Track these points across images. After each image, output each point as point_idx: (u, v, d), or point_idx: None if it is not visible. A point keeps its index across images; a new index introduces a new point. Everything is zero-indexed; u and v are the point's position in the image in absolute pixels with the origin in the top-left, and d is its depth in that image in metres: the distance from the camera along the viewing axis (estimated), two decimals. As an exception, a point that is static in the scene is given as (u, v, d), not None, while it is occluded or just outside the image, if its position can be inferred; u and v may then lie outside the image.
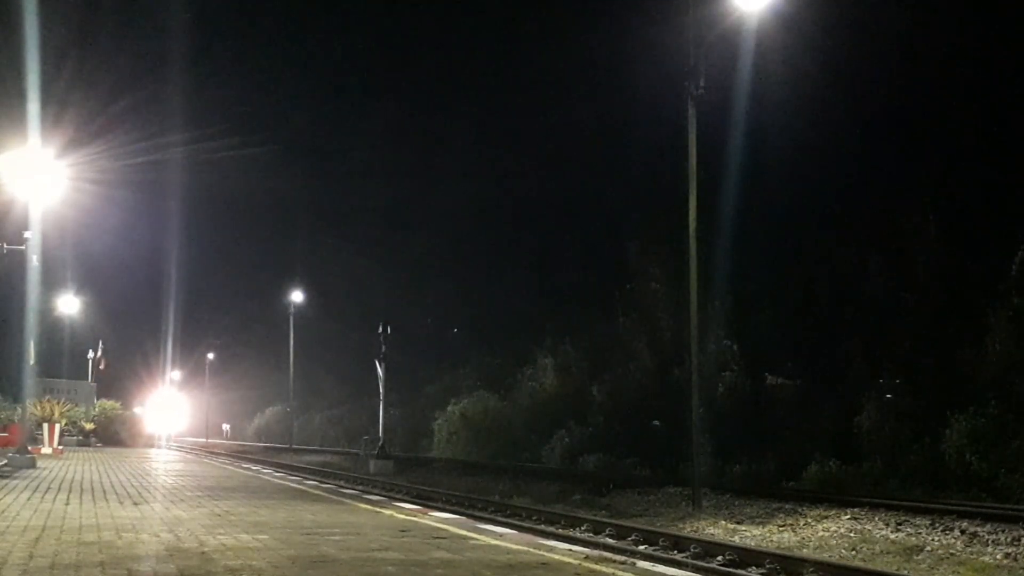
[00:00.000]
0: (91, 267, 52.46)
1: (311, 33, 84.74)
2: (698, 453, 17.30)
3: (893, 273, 23.58)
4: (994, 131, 24.03)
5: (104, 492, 12.73)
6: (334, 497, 13.81)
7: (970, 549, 11.60)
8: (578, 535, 13.18)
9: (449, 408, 40.13)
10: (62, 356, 48.84)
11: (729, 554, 11.02)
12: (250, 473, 22.44)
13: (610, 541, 12.61)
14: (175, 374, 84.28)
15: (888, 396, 21.16)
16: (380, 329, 32.60)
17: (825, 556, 11.23)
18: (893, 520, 13.58)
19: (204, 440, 69.20)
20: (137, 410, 56.32)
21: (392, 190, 73.35)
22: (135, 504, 10.90)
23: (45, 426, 27.88)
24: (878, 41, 26.29)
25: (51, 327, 42.10)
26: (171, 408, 71.95)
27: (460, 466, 30.25)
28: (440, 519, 10.59)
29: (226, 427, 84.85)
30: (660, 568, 7.54)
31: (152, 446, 47.04)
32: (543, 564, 6.79)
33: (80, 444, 37.50)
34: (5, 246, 22.25)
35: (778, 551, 11.28)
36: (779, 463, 21.87)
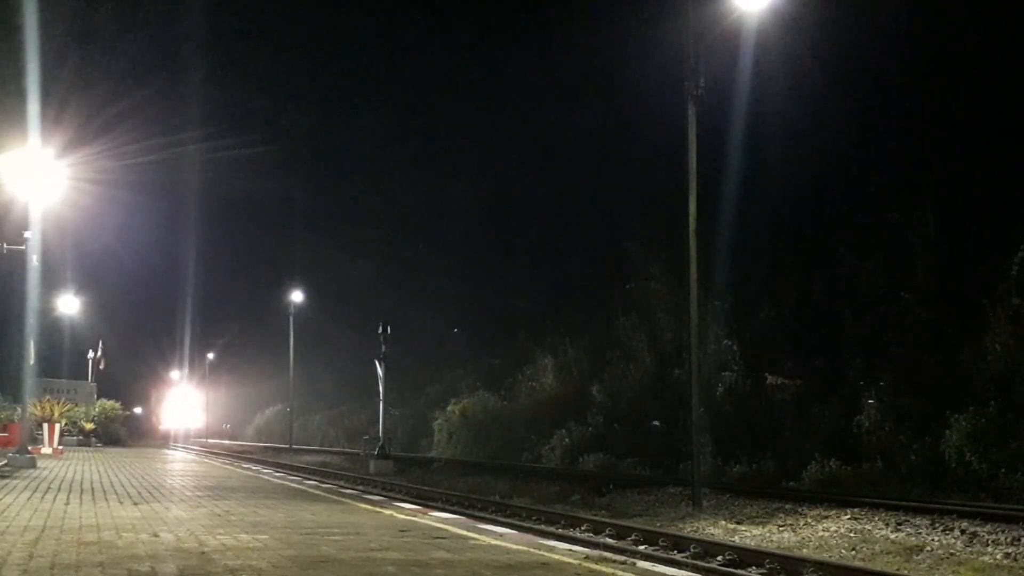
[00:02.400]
0: (91, 267, 52.48)
1: (311, 33, 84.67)
2: (698, 453, 17.30)
3: (893, 273, 23.57)
4: (995, 131, 24.03)
5: (104, 492, 12.74)
6: (334, 497, 13.81)
7: (970, 549, 11.59)
8: (578, 535, 13.18)
9: (449, 408, 40.13)
10: (62, 356, 48.89)
11: (729, 554, 11.02)
12: (250, 473, 22.45)
13: (610, 541, 12.61)
14: (175, 373, 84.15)
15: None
16: (380, 329, 32.59)
17: (825, 556, 11.23)
18: (893, 520, 13.57)
19: (205, 440, 69.22)
20: (138, 410, 56.27)
21: (392, 190, 73.27)
22: (135, 504, 10.90)
23: (45, 426, 27.94)
24: (878, 41, 26.28)
25: (51, 327, 42.12)
26: (188, 406, 71.27)
27: (460, 466, 30.25)
28: (440, 519, 10.60)
29: (226, 426, 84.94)
30: (660, 568, 7.55)
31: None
32: (543, 564, 6.79)
33: (80, 444, 37.51)
34: (5, 246, 22.24)
35: (778, 551, 11.28)
36: (779, 463, 21.85)
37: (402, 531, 8.77)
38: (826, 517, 14.26)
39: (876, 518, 13.84)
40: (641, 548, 11.89)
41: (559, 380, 35.56)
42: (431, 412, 42.49)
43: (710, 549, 11.44)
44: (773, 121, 26.69)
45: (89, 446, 37.67)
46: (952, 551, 11.51)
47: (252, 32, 79.40)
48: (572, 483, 21.88)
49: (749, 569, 10.42)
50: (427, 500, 18.80)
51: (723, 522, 14.47)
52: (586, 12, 50.23)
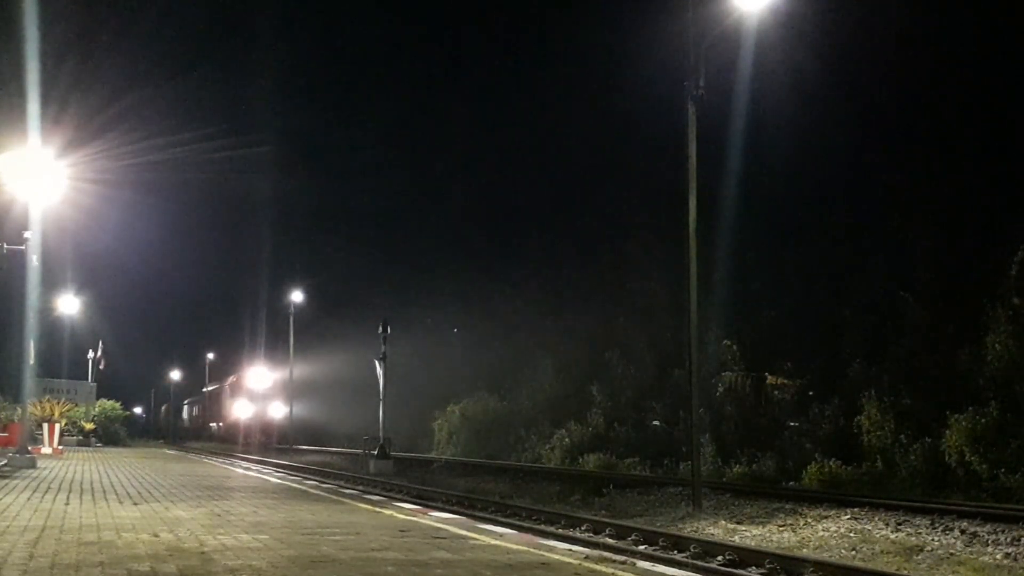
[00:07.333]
0: (91, 267, 52.50)
1: (311, 33, 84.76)
2: (698, 453, 17.29)
3: (893, 273, 23.58)
4: (994, 130, 24.04)
5: (104, 492, 12.74)
6: (334, 497, 13.81)
7: (970, 549, 11.59)
8: (578, 535, 13.17)
9: (449, 408, 40.11)
10: (62, 356, 48.89)
11: (729, 554, 11.02)
12: (250, 473, 22.46)
13: (610, 541, 12.60)
14: (175, 374, 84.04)
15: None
16: (380, 329, 32.59)
17: (825, 556, 11.22)
18: (893, 520, 13.58)
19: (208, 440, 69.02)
20: (138, 409, 55.80)
21: (392, 190, 73.36)
22: (135, 504, 10.90)
23: (45, 426, 27.93)
24: (878, 41, 26.30)
25: (51, 327, 42.12)
26: (267, 390, 58.82)
27: (460, 466, 30.25)
28: (440, 519, 10.60)
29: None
30: (660, 568, 7.54)
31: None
32: (543, 564, 6.79)
33: (80, 444, 37.49)
34: (5, 246, 22.23)
35: (778, 551, 11.27)
36: (779, 463, 21.87)
37: (402, 531, 8.77)
38: (826, 517, 14.26)
39: (876, 518, 13.85)
40: (641, 548, 11.88)
41: (559, 380, 35.56)
42: (431, 412, 42.48)
43: (710, 549, 11.43)
44: (773, 121, 26.73)
45: (89, 446, 37.65)
46: (952, 551, 11.51)
47: (252, 32, 79.50)
48: (572, 483, 21.88)
49: (749, 569, 10.41)
50: (427, 500, 18.79)
51: (723, 522, 14.46)
52: (586, 12, 50.29)
